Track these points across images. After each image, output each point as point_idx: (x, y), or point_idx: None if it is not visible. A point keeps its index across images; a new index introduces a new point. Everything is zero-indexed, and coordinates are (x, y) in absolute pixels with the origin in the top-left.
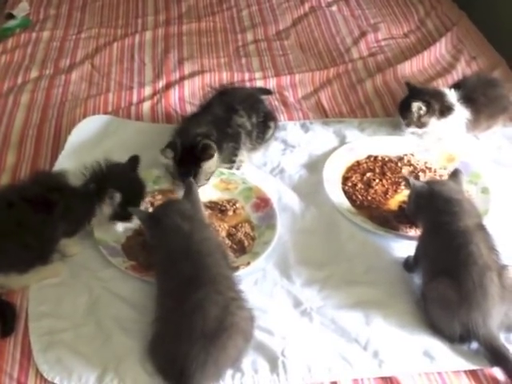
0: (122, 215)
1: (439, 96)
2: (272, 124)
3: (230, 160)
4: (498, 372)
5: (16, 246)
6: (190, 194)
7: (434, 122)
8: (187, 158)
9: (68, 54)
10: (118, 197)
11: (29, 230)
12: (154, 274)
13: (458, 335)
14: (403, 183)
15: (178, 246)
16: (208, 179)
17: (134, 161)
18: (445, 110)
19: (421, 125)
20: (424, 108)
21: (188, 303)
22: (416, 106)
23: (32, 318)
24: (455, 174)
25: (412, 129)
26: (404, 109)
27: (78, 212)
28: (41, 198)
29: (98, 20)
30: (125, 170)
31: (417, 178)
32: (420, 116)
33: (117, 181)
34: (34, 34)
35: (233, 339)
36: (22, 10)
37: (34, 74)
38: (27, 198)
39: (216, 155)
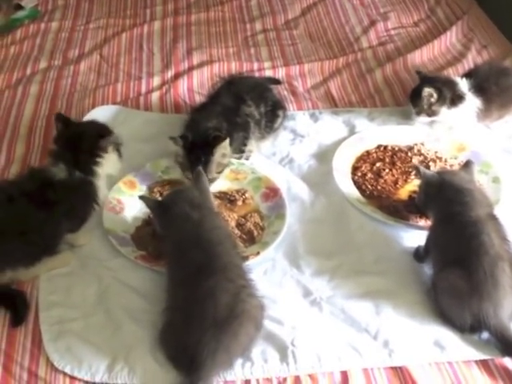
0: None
1: (451, 84)
2: (280, 113)
3: (240, 150)
4: (508, 362)
5: (20, 243)
6: (199, 182)
7: (444, 111)
8: (198, 149)
9: (77, 44)
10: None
11: (31, 227)
12: (163, 263)
13: (468, 325)
14: (413, 172)
15: (188, 235)
16: (220, 172)
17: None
18: (456, 98)
19: (431, 113)
20: (435, 95)
21: (199, 291)
22: (427, 91)
23: (42, 307)
24: (467, 165)
25: (422, 117)
26: (415, 96)
27: (78, 208)
28: (40, 195)
29: (107, 10)
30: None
31: (427, 167)
32: (431, 104)
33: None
34: (42, 25)
35: (244, 326)
36: (30, 1)
37: (42, 64)
38: (27, 193)
39: (228, 144)
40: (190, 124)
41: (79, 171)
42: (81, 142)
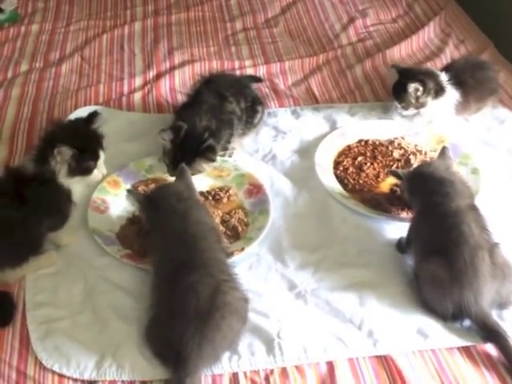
0: (79, 169)
1: (432, 75)
2: (260, 108)
3: (224, 147)
4: (490, 348)
5: (5, 244)
6: (183, 177)
7: (429, 102)
8: (188, 147)
9: (57, 46)
10: (65, 150)
11: (14, 227)
12: (149, 261)
13: (450, 313)
14: (394, 174)
15: (174, 228)
16: (192, 175)
17: (92, 115)
18: (439, 89)
19: (419, 105)
20: (421, 88)
21: (181, 286)
22: (413, 87)
23: (29, 307)
24: (443, 152)
25: (410, 111)
26: (399, 92)
27: (52, 204)
28: (17, 193)
29: (87, 12)
30: (75, 125)
31: (407, 161)
32: (418, 97)
33: (64, 136)
34: (22, 28)
35: (226, 318)
36: (10, 4)
37: (23, 67)
38: (5, 193)
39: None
40: (182, 117)
41: (41, 166)
42: (56, 138)
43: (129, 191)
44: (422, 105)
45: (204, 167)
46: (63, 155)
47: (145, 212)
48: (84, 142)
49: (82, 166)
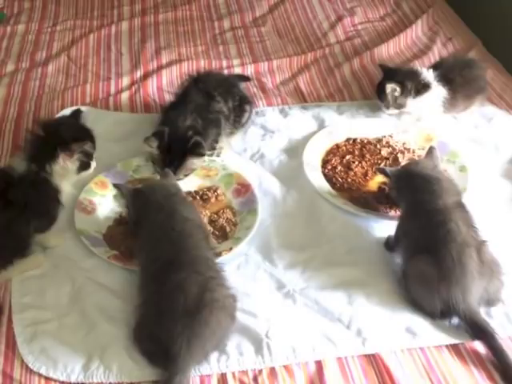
0: (85, 164)
1: (413, 75)
2: (248, 107)
3: (212, 147)
4: (478, 345)
5: None
6: (170, 178)
7: (410, 102)
8: (175, 149)
9: (44, 46)
10: (90, 145)
11: (1, 228)
12: (136, 260)
13: (438, 311)
14: (382, 172)
15: (161, 224)
16: (186, 175)
17: (76, 113)
18: (420, 88)
19: (398, 106)
20: (398, 89)
21: (168, 285)
22: (390, 87)
23: (15, 309)
24: (430, 151)
25: (391, 110)
26: (380, 92)
27: (40, 205)
28: (4, 193)
29: (73, 12)
30: (72, 120)
31: (396, 159)
32: (396, 98)
33: (69, 133)
34: (8, 28)
35: (214, 315)
36: None
37: (9, 67)
38: None
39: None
40: (165, 122)
41: (36, 166)
42: (47, 138)
43: (115, 185)
44: (401, 105)
45: (196, 163)
46: (87, 150)
47: (131, 206)
48: (90, 136)
49: (89, 160)
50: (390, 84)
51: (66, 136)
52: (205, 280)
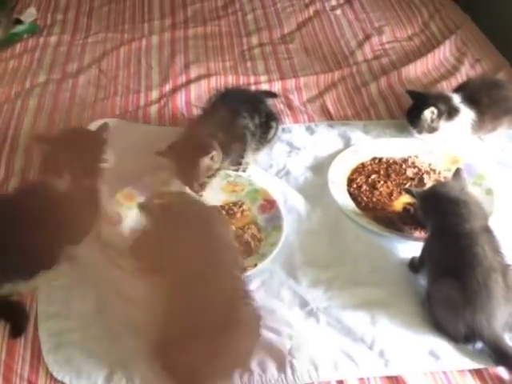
0: None
1: (444, 98)
2: (274, 124)
3: (237, 162)
4: (502, 371)
5: (18, 257)
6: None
7: (442, 125)
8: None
9: (75, 58)
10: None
11: (29, 241)
12: (161, 275)
13: (462, 335)
14: (408, 192)
15: None
16: (203, 186)
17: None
18: (452, 111)
19: (432, 130)
20: (436, 111)
21: (195, 301)
22: (429, 111)
23: (41, 318)
24: (457, 173)
25: (424, 135)
26: (413, 118)
27: (79, 220)
28: (39, 208)
29: (105, 25)
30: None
31: (421, 179)
32: (432, 120)
33: None
34: (41, 39)
35: (239, 335)
36: (29, 16)
37: (41, 78)
38: (25, 207)
39: (216, 153)
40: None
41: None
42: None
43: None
44: (435, 129)
45: (211, 166)
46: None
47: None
48: None
49: None
50: (427, 109)
51: None
52: (232, 298)
